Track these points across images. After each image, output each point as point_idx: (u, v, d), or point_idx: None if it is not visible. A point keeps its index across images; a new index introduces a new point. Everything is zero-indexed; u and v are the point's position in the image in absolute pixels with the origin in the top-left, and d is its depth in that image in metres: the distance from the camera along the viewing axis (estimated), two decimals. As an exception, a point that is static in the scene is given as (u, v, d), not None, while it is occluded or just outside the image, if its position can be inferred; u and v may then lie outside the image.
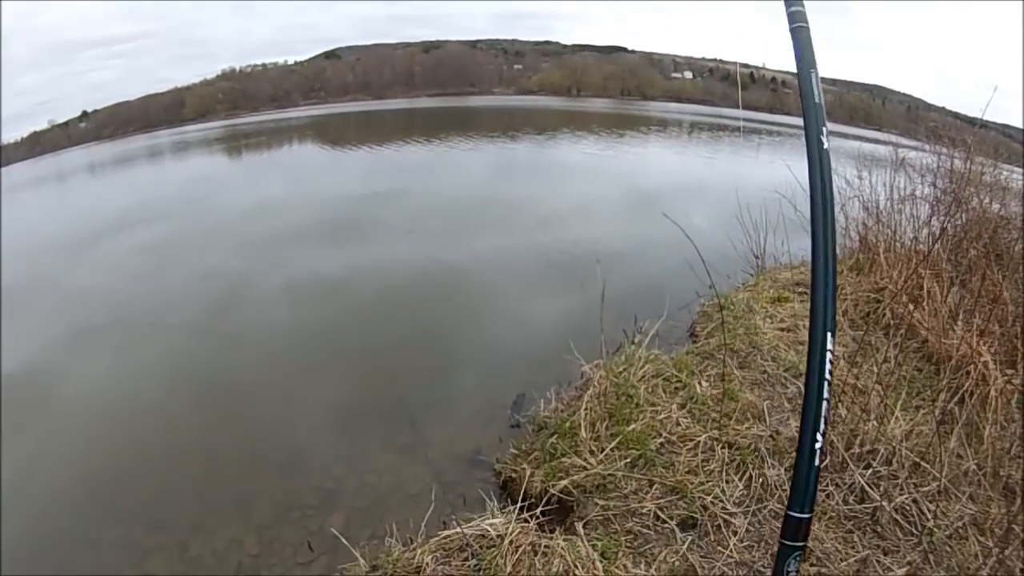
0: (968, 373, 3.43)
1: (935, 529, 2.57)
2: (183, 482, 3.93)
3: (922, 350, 4.14)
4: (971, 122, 6.25)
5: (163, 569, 3.24)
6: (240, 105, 67.14)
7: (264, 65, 75.89)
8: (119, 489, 3.91)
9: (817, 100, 1.27)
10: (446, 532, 2.74)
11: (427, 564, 2.55)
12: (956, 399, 3.24)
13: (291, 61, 77.86)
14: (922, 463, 2.89)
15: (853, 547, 2.61)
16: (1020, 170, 6.44)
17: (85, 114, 64.59)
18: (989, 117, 5.47)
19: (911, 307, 4.32)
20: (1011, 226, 4.99)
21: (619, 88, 72.52)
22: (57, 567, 3.30)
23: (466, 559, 2.56)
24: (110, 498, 3.84)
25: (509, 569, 2.48)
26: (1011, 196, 5.64)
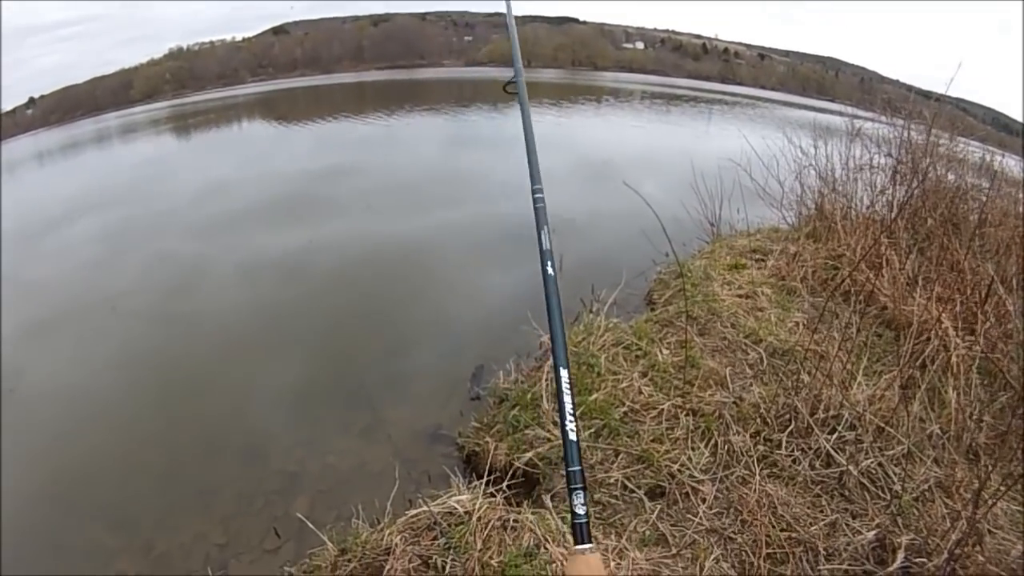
0: (929, 339, 3.45)
1: (902, 492, 2.56)
2: (142, 476, 3.73)
3: (881, 316, 4.17)
4: (926, 95, 6.32)
5: (131, 570, 3.08)
6: (187, 84, 65.15)
7: (212, 43, 73.77)
8: (78, 488, 3.69)
9: (546, 247, 1.81)
10: (413, 511, 2.62)
11: (396, 545, 2.43)
12: (918, 364, 3.25)
13: (239, 38, 75.80)
14: (887, 427, 2.89)
15: (822, 511, 2.59)
16: (976, 143, 6.54)
17: (32, 100, 61.97)
18: (946, 91, 5.57)
19: (871, 274, 4.33)
20: (968, 196, 5.06)
21: (570, 59, 72.25)
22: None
23: (435, 537, 2.45)
24: (70, 498, 3.62)
25: (479, 546, 2.38)
26: (966, 168, 5.73)
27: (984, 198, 4.85)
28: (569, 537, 2.39)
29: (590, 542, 1.36)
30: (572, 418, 1.52)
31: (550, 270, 1.70)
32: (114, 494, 3.63)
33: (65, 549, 3.26)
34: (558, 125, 20.40)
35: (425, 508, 2.57)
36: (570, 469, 1.46)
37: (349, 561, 2.49)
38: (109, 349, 5.42)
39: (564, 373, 1.57)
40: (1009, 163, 6.82)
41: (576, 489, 1.44)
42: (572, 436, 1.49)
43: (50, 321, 6.08)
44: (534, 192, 1.97)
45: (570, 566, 1.30)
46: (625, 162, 12.44)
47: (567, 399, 1.53)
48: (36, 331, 5.87)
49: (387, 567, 2.36)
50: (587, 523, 1.40)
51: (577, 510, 1.40)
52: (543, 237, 1.79)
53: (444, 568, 2.33)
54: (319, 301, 6.17)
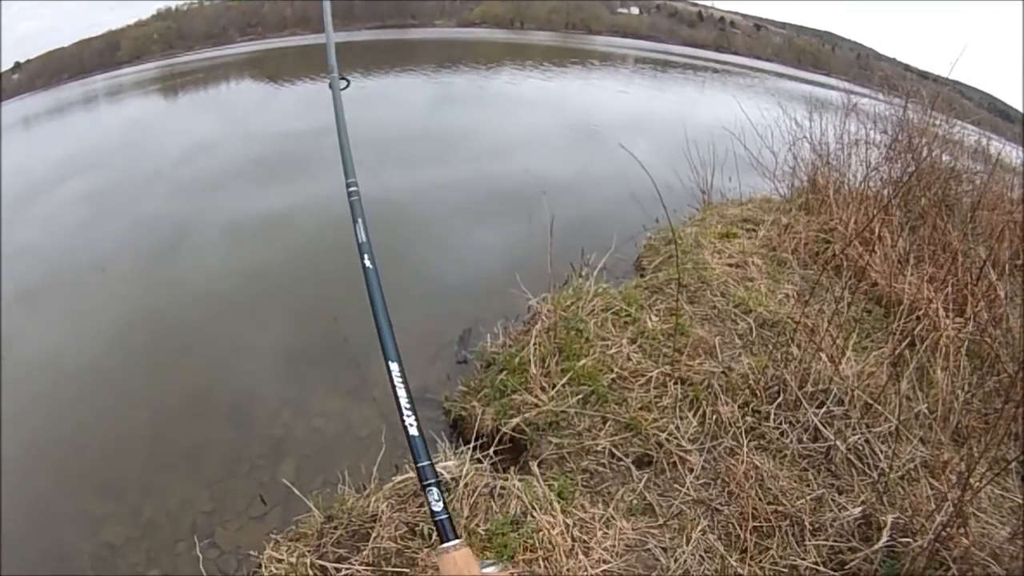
0: (919, 318, 3.45)
1: (889, 470, 2.57)
2: (129, 441, 3.68)
3: (872, 293, 4.17)
4: (923, 75, 6.30)
5: (119, 537, 3.04)
6: (176, 44, 63.28)
7: (200, 2, 71.99)
8: (65, 454, 3.64)
9: (363, 239, 1.80)
10: (400, 477, 2.60)
11: (383, 512, 2.40)
12: (907, 343, 3.25)
13: (229, -4, 73.95)
14: (875, 404, 2.89)
15: (808, 485, 2.60)
16: (972, 127, 6.54)
17: (18, 65, 60.23)
18: (942, 73, 5.55)
19: (863, 250, 4.32)
20: (962, 178, 5.05)
21: (564, 22, 71.19)
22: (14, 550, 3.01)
23: (422, 504, 2.42)
24: (57, 465, 3.57)
25: (466, 513, 2.36)
26: (962, 150, 5.72)
27: (979, 181, 4.84)
28: (556, 504, 2.40)
29: (456, 538, 1.29)
30: (410, 412, 1.44)
31: (368, 263, 1.66)
32: (101, 460, 3.57)
33: (53, 516, 3.21)
34: (542, 89, 20.08)
35: (411, 474, 2.54)
36: (419, 465, 1.38)
37: (335, 528, 2.45)
38: (96, 313, 5.30)
39: (395, 366, 1.53)
40: (1007, 149, 6.83)
41: (428, 486, 1.35)
42: (413, 431, 1.42)
43: (35, 286, 5.89)
44: (348, 186, 1.94)
45: (441, 566, 1.24)
46: (614, 127, 12.30)
47: (401, 393, 1.46)
48: (22, 296, 5.68)
49: (374, 534, 2.33)
50: (448, 519, 1.32)
51: (434, 507, 1.32)
52: (359, 230, 1.76)
53: (431, 536, 2.30)
54: (305, 259, 6.05)
